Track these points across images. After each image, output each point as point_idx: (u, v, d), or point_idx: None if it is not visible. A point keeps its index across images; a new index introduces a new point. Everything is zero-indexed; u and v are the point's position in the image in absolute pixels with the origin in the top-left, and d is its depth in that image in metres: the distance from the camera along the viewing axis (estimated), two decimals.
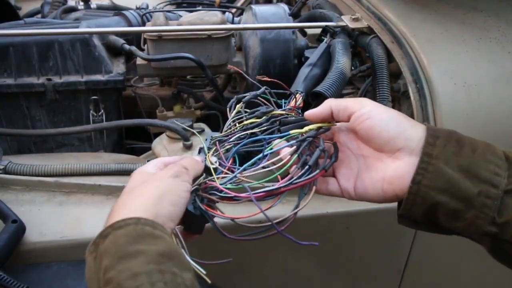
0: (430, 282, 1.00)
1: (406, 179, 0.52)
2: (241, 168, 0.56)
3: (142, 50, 1.12)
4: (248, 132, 0.63)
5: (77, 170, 0.80)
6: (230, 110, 0.69)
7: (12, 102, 1.05)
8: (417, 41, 0.87)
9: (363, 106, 0.55)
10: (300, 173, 0.54)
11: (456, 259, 0.95)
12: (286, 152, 0.56)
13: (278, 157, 0.57)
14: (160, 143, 0.98)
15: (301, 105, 0.74)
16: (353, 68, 0.99)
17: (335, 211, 0.81)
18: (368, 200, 0.57)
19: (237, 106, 0.68)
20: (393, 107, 0.87)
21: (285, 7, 1.12)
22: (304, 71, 0.85)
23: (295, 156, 0.55)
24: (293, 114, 0.68)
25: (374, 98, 0.88)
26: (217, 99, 1.21)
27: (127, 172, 0.82)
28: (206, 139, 0.67)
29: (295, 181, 0.53)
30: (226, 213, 0.55)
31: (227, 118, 0.69)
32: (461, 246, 0.92)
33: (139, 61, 1.08)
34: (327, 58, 0.88)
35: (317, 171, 0.54)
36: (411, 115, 0.83)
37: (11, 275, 0.60)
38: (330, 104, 0.58)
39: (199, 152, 0.64)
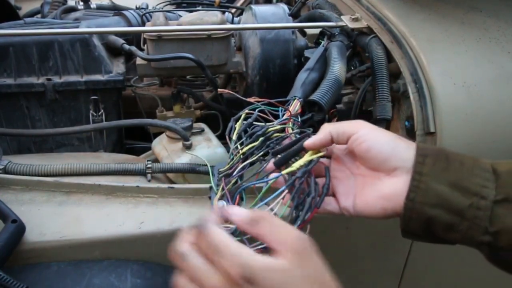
0: (430, 282, 1.00)
1: (403, 197, 0.55)
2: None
3: (142, 50, 1.12)
4: (247, 162, 0.64)
5: (77, 170, 0.80)
6: (229, 138, 0.70)
7: (12, 102, 1.05)
8: (417, 41, 0.87)
9: (359, 128, 0.59)
10: (294, 218, 0.55)
11: (455, 259, 0.95)
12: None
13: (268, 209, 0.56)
14: (159, 143, 0.98)
15: (299, 111, 0.74)
16: (352, 68, 0.99)
17: None
18: (368, 217, 0.60)
19: (236, 129, 0.69)
20: (393, 107, 0.87)
21: (285, 7, 1.12)
22: (301, 76, 0.85)
23: (287, 203, 0.56)
24: (290, 124, 0.69)
25: (373, 98, 0.88)
26: (217, 99, 1.21)
27: (127, 172, 0.82)
28: (213, 175, 0.67)
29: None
30: None
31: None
32: (461, 247, 0.92)
33: (139, 61, 1.09)
34: (325, 61, 0.88)
35: (309, 213, 0.55)
36: (411, 115, 0.83)
37: (11, 275, 0.60)
38: (329, 130, 0.60)
39: (210, 189, 0.65)
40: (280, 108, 0.73)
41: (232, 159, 0.67)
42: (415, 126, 0.82)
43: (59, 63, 1.04)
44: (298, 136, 0.66)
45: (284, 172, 0.59)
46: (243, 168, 0.64)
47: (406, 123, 0.85)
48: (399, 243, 0.89)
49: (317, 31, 1.04)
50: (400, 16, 0.93)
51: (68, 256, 0.69)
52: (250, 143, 0.66)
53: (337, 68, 0.81)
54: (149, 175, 0.82)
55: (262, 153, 0.65)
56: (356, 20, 0.98)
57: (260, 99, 0.72)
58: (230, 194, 0.61)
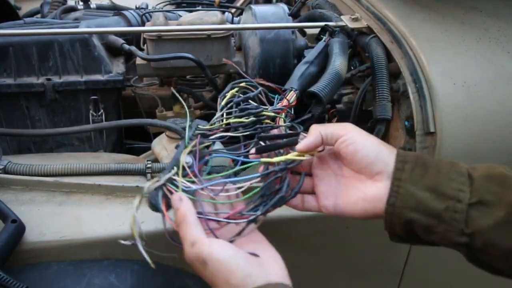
0: (430, 282, 1.00)
1: (383, 200, 0.59)
2: (206, 184, 0.57)
3: (142, 50, 1.12)
4: (228, 134, 0.63)
5: (77, 170, 0.80)
6: (221, 100, 0.69)
7: (12, 102, 1.05)
8: (417, 41, 0.87)
9: (348, 131, 0.62)
10: (250, 208, 0.56)
11: (455, 259, 0.94)
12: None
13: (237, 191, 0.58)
14: (159, 143, 0.98)
15: (294, 103, 0.73)
16: (352, 68, 0.99)
17: None
18: (347, 217, 0.63)
19: (228, 95, 0.68)
20: (393, 107, 0.87)
21: (285, 7, 1.12)
22: (300, 68, 0.84)
23: (255, 190, 0.57)
24: (283, 114, 0.68)
25: (373, 98, 0.88)
26: (217, 99, 1.21)
27: (127, 172, 0.82)
28: (190, 126, 0.66)
29: (243, 214, 0.56)
30: None
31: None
32: None
33: (138, 61, 1.08)
34: (325, 57, 0.88)
35: (270, 208, 0.57)
36: (411, 115, 0.83)
37: (11, 275, 0.60)
38: (319, 131, 0.62)
39: (177, 147, 0.63)
40: (276, 96, 0.73)
41: (215, 123, 0.67)
42: (415, 126, 0.82)
43: (59, 63, 1.04)
44: (288, 130, 0.66)
45: (263, 160, 0.60)
46: (221, 137, 0.64)
47: (406, 123, 0.85)
48: (399, 243, 0.89)
49: (317, 31, 1.04)
50: (400, 16, 0.93)
51: (68, 256, 0.69)
52: (239, 117, 0.66)
53: (339, 62, 0.81)
54: (149, 175, 0.82)
55: (247, 133, 0.65)
56: (356, 20, 0.98)
57: (263, 81, 0.72)
58: (199, 155, 0.60)
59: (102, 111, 1.08)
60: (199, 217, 0.54)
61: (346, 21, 0.97)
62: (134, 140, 1.26)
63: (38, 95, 1.05)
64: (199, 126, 0.67)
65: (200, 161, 0.60)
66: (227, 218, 0.55)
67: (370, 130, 0.86)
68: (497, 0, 1.03)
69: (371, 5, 1.00)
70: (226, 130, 0.64)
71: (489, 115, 0.83)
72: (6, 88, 1.02)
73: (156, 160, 0.95)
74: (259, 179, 0.58)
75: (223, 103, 0.69)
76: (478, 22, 0.95)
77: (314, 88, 0.72)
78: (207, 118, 1.23)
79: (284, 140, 0.63)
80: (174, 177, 0.57)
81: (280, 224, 0.81)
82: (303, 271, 0.91)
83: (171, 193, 0.56)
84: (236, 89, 0.70)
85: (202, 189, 0.56)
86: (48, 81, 1.03)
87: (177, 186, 0.56)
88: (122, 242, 0.56)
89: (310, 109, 0.71)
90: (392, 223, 0.59)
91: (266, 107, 0.70)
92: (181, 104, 1.18)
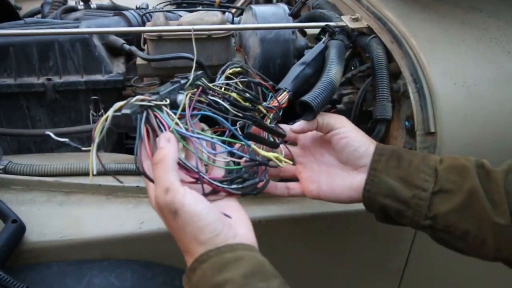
0: (430, 281, 1.00)
1: None
2: (199, 136, 0.55)
3: (142, 50, 1.12)
4: (224, 104, 0.61)
5: (77, 170, 0.80)
6: (228, 68, 0.69)
7: (12, 102, 1.05)
8: (417, 41, 0.87)
9: (343, 125, 0.69)
10: (227, 179, 0.57)
11: (455, 259, 0.94)
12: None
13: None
14: None
15: (284, 105, 0.74)
16: (352, 68, 0.99)
17: (335, 211, 0.81)
18: (332, 202, 0.71)
19: (233, 69, 0.69)
20: (393, 107, 0.87)
21: (285, 7, 1.12)
22: (296, 69, 0.84)
23: (239, 167, 0.58)
24: (271, 115, 0.70)
25: (374, 98, 0.88)
26: None
27: (127, 172, 0.82)
28: (195, 77, 0.63)
29: (220, 185, 0.55)
30: None
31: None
32: None
33: (139, 61, 1.08)
34: (322, 59, 0.87)
35: (237, 192, 0.57)
36: (411, 115, 0.83)
37: (11, 275, 0.60)
38: (316, 118, 0.69)
39: (173, 83, 0.61)
40: (270, 94, 0.73)
41: (215, 86, 0.65)
42: (415, 126, 0.82)
43: (59, 63, 1.04)
44: (270, 136, 0.67)
45: (253, 146, 0.61)
46: (217, 103, 0.61)
47: (406, 123, 0.85)
48: (399, 243, 0.89)
49: (317, 31, 1.04)
50: (400, 16, 0.93)
51: (68, 256, 0.69)
52: (239, 95, 0.65)
53: (334, 72, 0.81)
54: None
55: (239, 115, 0.63)
56: (356, 20, 0.98)
57: (260, 79, 0.72)
58: (194, 107, 0.58)
59: (102, 111, 1.08)
60: (180, 165, 0.51)
61: (346, 21, 0.97)
62: (134, 140, 1.26)
63: (38, 95, 1.05)
64: (202, 79, 0.65)
65: (192, 112, 0.57)
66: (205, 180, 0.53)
67: (371, 130, 0.87)
68: (497, 0, 1.03)
69: (371, 5, 1.00)
70: (223, 99, 0.62)
71: (489, 115, 0.83)
72: (7, 88, 1.02)
73: None
74: (245, 159, 0.59)
75: (228, 71, 0.69)
76: (478, 22, 0.95)
77: (307, 98, 0.72)
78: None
79: (271, 142, 0.65)
80: (166, 109, 0.53)
81: (281, 224, 0.81)
82: (303, 270, 0.91)
83: (158, 124, 0.52)
84: (239, 68, 0.70)
85: (191, 138, 0.54)
86: (49, 81, 1.03)
87: (165, 119, 0.52)
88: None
89: (302, 117, 0.72)
90: (370, 207, 0.68)
91: (260, 102, 0.70)
92: None
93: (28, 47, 1.02)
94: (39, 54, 1.03)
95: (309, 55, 0.87)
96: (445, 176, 0.64)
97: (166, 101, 0.54)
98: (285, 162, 0.64)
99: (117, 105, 0.51)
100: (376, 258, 0.93)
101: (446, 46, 0.88)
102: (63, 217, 0.71)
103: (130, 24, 1.23)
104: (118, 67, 1.11)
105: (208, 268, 0.48)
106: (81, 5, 1.53)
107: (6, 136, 1.06)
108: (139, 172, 0.53)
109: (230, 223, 0.52)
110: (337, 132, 0.68)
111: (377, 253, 0.92)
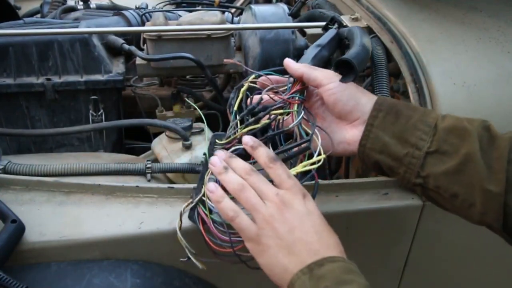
0: (430, 281, 1.00)
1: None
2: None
3: (142, 50, 1.12)
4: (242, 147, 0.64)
5: (77, 170, 0.80)
6: (229, 110, 0.69)
7: (12, 102, 1.05)
8: (417, 41, 0.87)
9: (330, 81, 0.69)
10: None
11: (455, 259, 0.95)
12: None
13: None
14: (159, 143, 0.98)
15: (306, 84, 0.71)
16: None
17: (335, 211, 0.80)
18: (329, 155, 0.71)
19: (237, 102, 0.69)
20: None
21: (285, 7, 1.12)
22: (312, 51, 0.80)
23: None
24: (295, 106, 0.68)
25: None
26: (217, 99, 1.21)
27: (127, 172, 0.82)
28: (210, 143, 0.70)
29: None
30: None
31: (226, 118, 0.69)
32: (461, 246, 0.92)
33: (138, 61, 1.08)
34: (336, 44, 0.85)
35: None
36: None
37: (10, 275, 0.60)
38: (302, 71, 0.69)
39: (200, 165, 0.68)
40: (289, 79, 0.71)
41: (230, 136, 0.68)
42: None
43: (58, 63, 1.04)
44: (300, 128, 0.65)
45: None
46: (238, 149, 0.65)
47: None
48: (399, 243, 0.89)
49: (317, 31, 1.04)
50: (400, 16, 0.93)
51: (68, 256, 0.69)
52: (251, 124, 0.66)
53: (366, 39, 0.78)
54: (149, 175, 0.82)
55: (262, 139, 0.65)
56: (356, 20, 0.98)
57: (267, 82, 0.71)
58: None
59: (102, 111, 1.08)
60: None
61: (346, 21, 0.97)
62: (134, 140, 1.26)
63: (38, 95, 1.05)
64: (217, 141, 0.70)
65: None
66: None
67: None
68: (497, 0, 1.03)
69: (371, 5, 1.00)
70: (241, 142, 0.64)
71: (489, 115, 0.82)
72: (6, 88, 1.02)
73: (156, 160, 0.95)
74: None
75: (235, 108, 0.69)
76: (478, 22, 0.95)
77: (348, 56, 0.70)
78: (208, 118, 1.23)
79: (296, 149, 0.64)
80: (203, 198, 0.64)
81: None
82: None
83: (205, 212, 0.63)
84: (241, 92, 0.69)
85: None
86: (48, 81, 1.03)
87: (205, 207, 0.63)
88: (181, 259, 0.65)
89: (341, 78, 0.69)
90: (364, 161, 0.70)
91: (275, 103, 0.68)
92: (181, 104, 1.18)
93: (27, 47, 1.02)
94: (38, 54, 1.03)
95: (323, 38, 0.84)
96: (443, 137, 0.64)
97: (201, 191, 0.65)
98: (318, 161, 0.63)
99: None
100: (376, 258, 0.93)
101: (446, 46, 0.88)
102: (62, 217, 0.71)
103: (129, 24, 1.23)
104: (117, 67, 1.11)
105: (337, 267, 0.56)
106: (80, 5, 1.53)
107: (6, 136, 1.06)
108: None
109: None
110: (326, 88, 0.69)
111: (377, 253, 0.92)
